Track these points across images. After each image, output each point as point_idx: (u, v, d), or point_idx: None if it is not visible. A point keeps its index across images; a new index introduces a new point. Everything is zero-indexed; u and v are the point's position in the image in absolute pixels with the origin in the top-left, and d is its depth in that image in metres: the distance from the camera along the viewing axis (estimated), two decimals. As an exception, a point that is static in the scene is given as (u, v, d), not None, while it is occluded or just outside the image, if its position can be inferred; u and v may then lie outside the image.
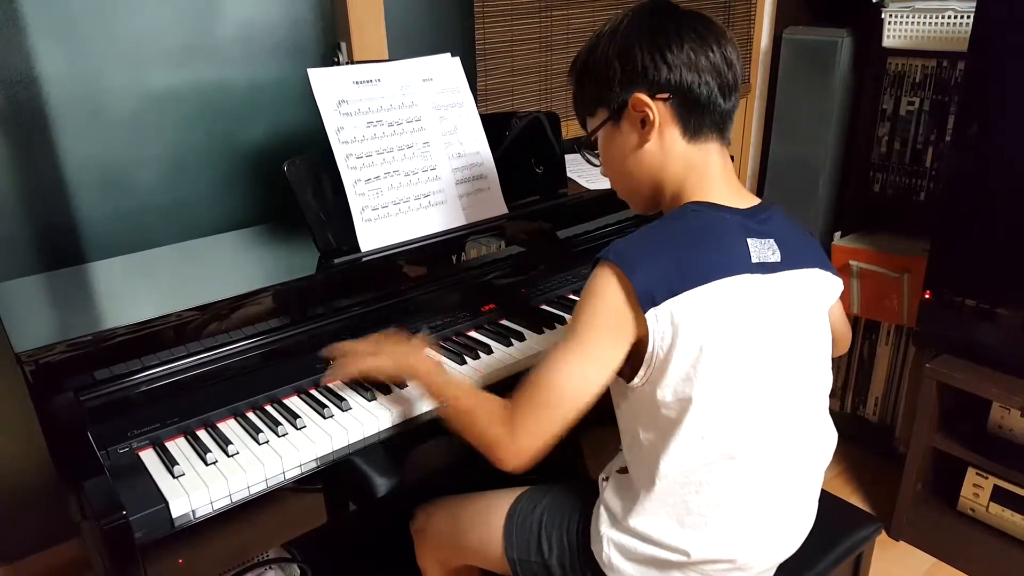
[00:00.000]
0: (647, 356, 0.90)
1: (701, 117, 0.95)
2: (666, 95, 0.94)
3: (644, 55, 0.94)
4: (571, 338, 0.92)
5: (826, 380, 1.03)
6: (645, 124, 0.96)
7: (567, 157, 1.53)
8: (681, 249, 0.91)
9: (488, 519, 1.16)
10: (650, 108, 0.94)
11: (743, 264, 0.91)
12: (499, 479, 1.05)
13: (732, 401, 0.92)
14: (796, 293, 0.96)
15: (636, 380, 0.92)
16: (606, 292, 0.90)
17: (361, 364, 1.11)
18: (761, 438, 0.95)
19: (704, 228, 0.93)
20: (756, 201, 0.99)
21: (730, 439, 0.93)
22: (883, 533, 1.91)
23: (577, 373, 0.91)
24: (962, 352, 1.74)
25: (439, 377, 1.06)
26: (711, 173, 0.97)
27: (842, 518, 1.26)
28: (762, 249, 0.93)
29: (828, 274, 1.02)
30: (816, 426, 1.02)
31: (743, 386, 0.92)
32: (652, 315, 0.87)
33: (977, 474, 1.83)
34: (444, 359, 1.25)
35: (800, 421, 0.99)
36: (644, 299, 0.87)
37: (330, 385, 1.17)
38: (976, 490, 1.84)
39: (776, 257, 0.94)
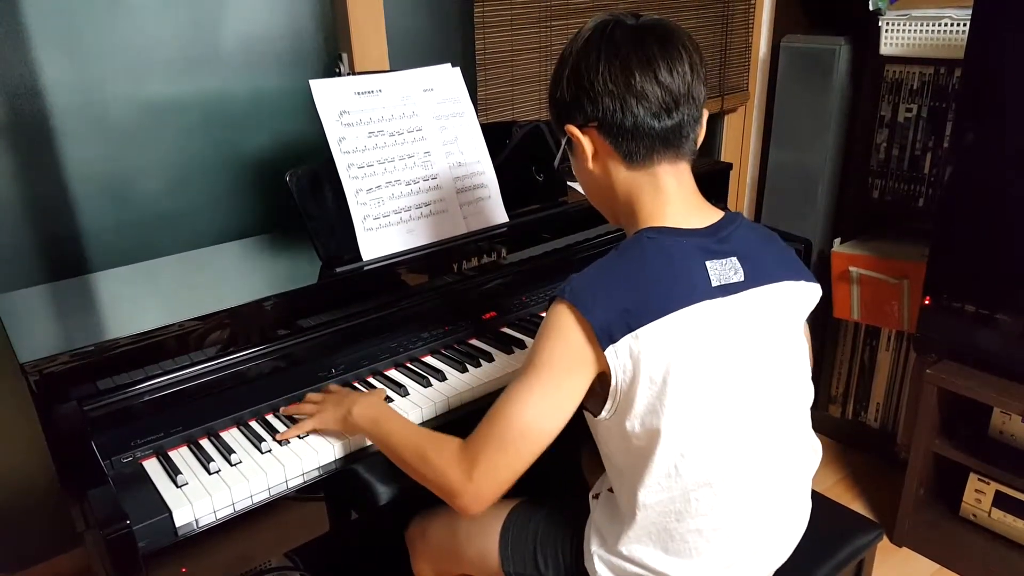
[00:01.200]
0: (611, 390, 0.89)
1: (635, 143, 0.92)
2: (595, 124, 0.93)
3: (570, 87, 0.93)
4: (530, 377, 0.90)
5: (804, 393, 1.02)
6: (584, 152, 0.96)
7: (567, 165, 1.54)
8: (638, 283, 0.89)
9: (483, 531, 1.15)
10: (579, 138, 0.95)
11: (702, 290, 0.89)
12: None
13: (702, 430, 0.90)
14: (763, 311, 0.94)
15: (604, 413, 0.92)
16: (565, 331, 0.88)
17: (304, 425, 1.09)
18: (738, 463, 0.93)
19: (660, 258, 0.91)
20: (719, 216, 0.96)
21: (705, 467, 0.92)
22: (885, 539, 1.91)
23: (537, 413, 0.89)
24: (962, 357, 1.74)
25: (381, 428, 1.03)
26: (664, 195, 0.94)
27: (843, 524, 1.26)
28: (723, 271, 0.91)
29: (801, 283, 0.99)
30: (797, 440, 1.01)
31: (712, 414, 0.91)
32: (611, 352, 0.86)
33: (979, 479, 1.83)
34: (445, 366, 1.26)
35: (778, 439, 0.98)
36: (603, 337, 0.86)
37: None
38: (978, 496, 1.84)
39: (738, 276, 0.92)
